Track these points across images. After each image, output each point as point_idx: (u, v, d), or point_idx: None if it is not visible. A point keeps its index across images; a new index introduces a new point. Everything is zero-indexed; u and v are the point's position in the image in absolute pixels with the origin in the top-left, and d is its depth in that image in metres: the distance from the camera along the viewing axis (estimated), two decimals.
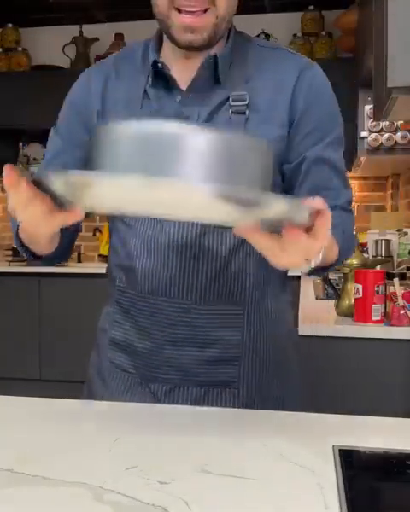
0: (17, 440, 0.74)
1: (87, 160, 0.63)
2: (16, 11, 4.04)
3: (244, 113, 0.96)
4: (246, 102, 0.96)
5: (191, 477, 0.64)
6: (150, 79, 0.99)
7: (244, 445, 0.74)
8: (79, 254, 4.26)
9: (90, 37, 4.15)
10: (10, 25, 4.18)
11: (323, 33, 3.83)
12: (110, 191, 0.55)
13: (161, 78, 0.98)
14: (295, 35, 3.88)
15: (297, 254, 0.64)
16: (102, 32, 4.10)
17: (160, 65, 0.97)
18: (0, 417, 0.73)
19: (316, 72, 1.02)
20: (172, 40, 0.94)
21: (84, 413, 0.88)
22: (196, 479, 0.64)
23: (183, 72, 0.98)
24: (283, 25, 3.87)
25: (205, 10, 0.90)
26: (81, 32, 4.15)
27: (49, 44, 4.25)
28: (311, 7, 3.84)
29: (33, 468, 0.63)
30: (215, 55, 0.96)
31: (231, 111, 0.96)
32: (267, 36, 3.81)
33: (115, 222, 1.05)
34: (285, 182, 1.01)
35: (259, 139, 0.61)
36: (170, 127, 0.57)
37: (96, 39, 4.15)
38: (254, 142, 0.61)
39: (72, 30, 4.15)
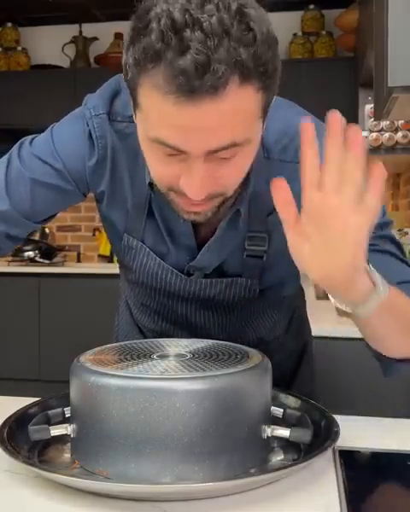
0: None
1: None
2: (16, 10, 4.04)
3: (262, 257, 0.85)
4: (264, 248, 0.83)
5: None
6: (151, 200, 0.84)
7: None
8: (79, 254, 4.26)
9: (89, 36, 4.15)
10: (10, 24, 4.18)
11: (323, 32, 3.83)
12: None
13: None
14: (295, 34, 3.88)
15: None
16: (102, 31, 4.10)
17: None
18: (0, 417, 0.73)
19: None
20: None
21: None
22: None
23: None
24: (283, 24, 3.87)
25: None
26: (81, 31, 4.15)
27: (48, 44, 4.25)
28: (311, 6, 3.84)
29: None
30: (239, 210, 0.81)
31: (245, 254, 0.85)
32: None
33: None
34: None
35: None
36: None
37: (96, 39, 4.15)
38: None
39: (71, 29, 4.15)
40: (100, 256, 4.17)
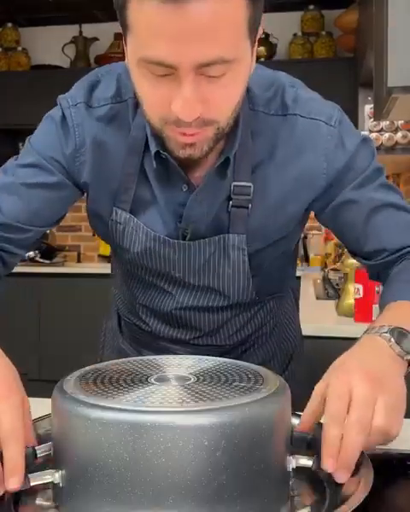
0: None
1: None
2: (16, 11, 4.04)
3: (247, 207, 0.86)
4: (249, 197, 0.85)
5: None
6: (153, 169, 0.85)
7: None
8: (79, 254, 4.27)
9: (89, 36, 4.16)
10: (10, 24, 4.18)
11: (323, 33, 3.84)
12: None
13: (161, 164, 0.83)
14: (295, 34, 3.89)
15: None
16: (102, 31, 4.10)
17: (164, 156, 0.80)
18: None
19: (345, 144, 0.85)
20: (169, 152, 0.78)
21: None
22: None
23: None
24: (283, 24, 3.87)
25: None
26: (81, 31, 4.15)
27: (48, 44, 4.25)
28: (311, 6, 3.85)
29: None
30: (228, 158, 0.82)
31: (231, 203, 0.86)
32: (267, 35, 3.81)
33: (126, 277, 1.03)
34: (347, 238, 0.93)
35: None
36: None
37: (96, 39, 4.16)
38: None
39: (71, 30, 4.16)
40: (100, 256, 4.17)
